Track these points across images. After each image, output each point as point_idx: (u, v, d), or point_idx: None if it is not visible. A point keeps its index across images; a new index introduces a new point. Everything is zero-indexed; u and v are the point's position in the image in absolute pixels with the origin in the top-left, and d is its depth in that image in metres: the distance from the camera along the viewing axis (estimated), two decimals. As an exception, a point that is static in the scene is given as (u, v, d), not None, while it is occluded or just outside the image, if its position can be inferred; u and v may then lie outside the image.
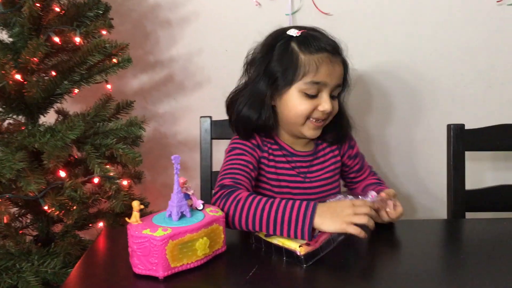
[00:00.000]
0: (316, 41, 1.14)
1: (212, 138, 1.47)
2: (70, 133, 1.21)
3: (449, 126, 1.33)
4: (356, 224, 0.94)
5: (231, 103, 1.26)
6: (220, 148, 1.59)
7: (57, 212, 1.14)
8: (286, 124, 1.22)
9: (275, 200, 1.01)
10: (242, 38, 1.68)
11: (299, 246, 0.93)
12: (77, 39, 1.28)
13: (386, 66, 1.72)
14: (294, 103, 1.17)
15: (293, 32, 1.16)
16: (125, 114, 1.53)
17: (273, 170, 1.23)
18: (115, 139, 1.32)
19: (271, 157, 1.24)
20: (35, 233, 1.42)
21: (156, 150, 1.82)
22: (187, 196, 0.96)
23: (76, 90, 1.40)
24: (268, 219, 0.99)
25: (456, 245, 1.05)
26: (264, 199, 1.02)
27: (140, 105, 1.78)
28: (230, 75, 1.72)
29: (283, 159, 1.25)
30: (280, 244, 0.97)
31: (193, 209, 0.98)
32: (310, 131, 1.21)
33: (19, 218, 1.43)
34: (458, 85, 1.72)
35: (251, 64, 1.23)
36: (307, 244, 0.94)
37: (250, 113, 1.19)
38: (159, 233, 0.86)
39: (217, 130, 1.47)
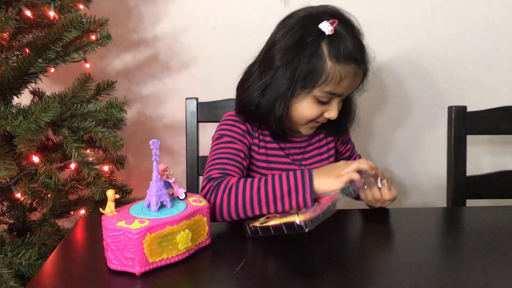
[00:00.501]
0: (346, 45, 1.01)
1: (198, 121, 1.39)
2: (44, 115, 1.12)
3: (450, 108, 1.26)
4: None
5: (245, 81, 1.14)
6: (208, 132, 1.51)
7: (30, 201, 1.05)
8: (288, 121, 1.11)
9: (267, 177, 0.97)
10: (231, 15, 1.60)
11: (297, 215, 0.87)
12: (51, 13, 1.19)
13: (382, 48, 1.63)
14: (305, 106, 1.07)
15: (325, 28, 1.01)
16: (106, 95, 1.44)
17: (263, 158, 1.16)
18: (94, 122, 1.23)
19: (261, 143, 1.16)
20: (11, 221, 1.34)
21: (141, 134, 1.74)
22: (167, 185, 0.89)
23: (52, 70, 1.30)
24: (267, 197, 0.94)
25: (457, 235, 0.98)
26: (256, 179, 0.97)
27: (123, 86, 1.69)
28: (218, 54, 1.66)
29: (276, 145, 1.17)
30: (278, 222, 0.90)
31: (174, 198, 0.90)
32: (307, 130, 1.15)
33: (-5, 205, 1.35)
34: (456, 66, 1.64)
35: (273, 59, 1.06)
36: (306, 211, 0.89)
37: (263, 105, 1.08)
38: (135, 225, 0.79)
39: (204, 112, 1.38)
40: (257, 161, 1.15)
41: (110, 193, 0.83)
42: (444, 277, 0.79)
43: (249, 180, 0.97)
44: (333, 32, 1.01)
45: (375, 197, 1.03)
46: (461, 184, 1.24)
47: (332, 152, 1.24)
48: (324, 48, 1.01)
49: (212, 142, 1.14)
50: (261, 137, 1.16)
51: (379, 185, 1.02)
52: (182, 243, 0.83)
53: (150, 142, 0.84)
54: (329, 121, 1.14)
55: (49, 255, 0.89)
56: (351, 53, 1.01)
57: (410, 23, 1.62)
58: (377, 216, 1.04)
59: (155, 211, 0.84)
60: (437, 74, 1.65)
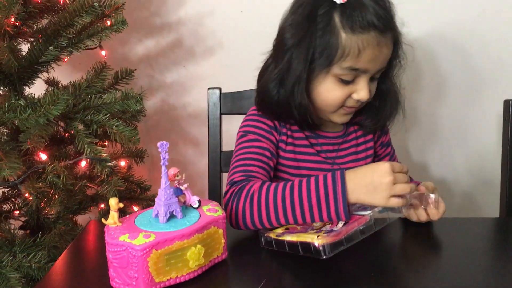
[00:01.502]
0: (363, 13, 0.87)
1: (221, 113, 1.28)
2: (53, 108, 1.03)
3: (507, 102, 1.10)
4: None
5: (262, 72, 1.04)
6: (232, 124, 1.41)
7: (35, 202, 0.98)
8: (313, 108, 0.99)
9: (293, 183, 0.84)
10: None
11: (317, 237, 0.77)
12: (62, -3, 1.09)
13: (431, 29, 1.48)
14: (326, 88, 0.94)
15: None
16: (125, 84, 1.35)
17: (291, 155, 1.03)
18: (108, 115, 1.14)
19: (289, 139, 1.03)
20: (25, 218, 1.28)
21: (164, 123, 1.65)
22: (179, 192, 0.78)
23: (67, 58, 1.22)
24: (293, 208, 0.83)
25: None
26: (281, 184, 0.85)
27: (146, 73, 1.60)
28: (246, 39, 1.54)
29: (306, 142, 1.04)
30: (295, 239, 0.80)
31: (187, 206, 0.80)
32: (340, 117, 1.00)
33: (9, 200, 1.28)
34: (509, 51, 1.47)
35: (286, 38, 0.95)
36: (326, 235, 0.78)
37: (282, 94, 0.96)
38: (140, 240, 0.69)
39: (228, 103, 1.27)
40: (284, 159, 1.03)
41: (113, 202, 0.73)
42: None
43: (272, 186, 0.86)
44: (345, 0, 0.88)
45: (420, 219, 0.91)
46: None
47: (371, 152, 1.10)
48: (337, 19, 0.89)
49: (236, 141, 1.04)
50: (289, 132, 1.03)
51: (428, 206, 0.89)
52: (193, 260, 0.73)
53: (158, 144, 0.74)
54: (367, 112, 1.03)
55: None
56: (369, 20, 0.87)
57: (459, 3, 1.45)
58: (419, 227, 0.91)
59: (164, 223, 0.74)
60: (488, 59, 1.48)
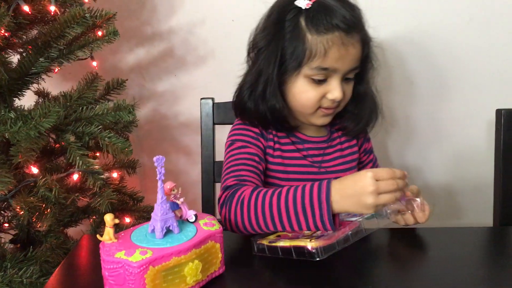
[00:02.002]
0: (327, 15, 0.93)
1: (214, 123, 1.27)
2: (45, 121, 1.02)
3: (499, 111, 1.11)
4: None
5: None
6: (225, 134, 1.39)
7: (27, 217, 0.96)
8: (293, 111, 1.04)
9: (281, 190, 0.86)
10: (251, 5, 1.47)
11: (310, 241, 0.78)
12: (52, 8, 1.08)
13: (411, 36, 1.48)
14: (299, 89, 0.99)
15: (302, 3, 0.95)
16: (116, 94, 1.33)
17: (279, 160, 1.05)
18: (100, 127, 1.12)
19: (276, 145, 1.06)
20: (14, 232, 1.25)
21: (156, 133, 1.64)
22: (175, 206, 0.77)
23: (57, 69, 1.20)
24: (280, 215, 0.84)
25: (509, 261, 0.84)
26: (270, 191, 0.87)
27: (137, 82, 1.59)
28: (237, 48, 1.51)
29: (292, 147, 1.06)
30: (288, 244, 0.81)
31: (183, 221, 0.79)
32: (319, 119, 1.03)
33: (-1, 213, 1.26)
34: (499, 58, 1.48)
35: (257, 45, 1.03)
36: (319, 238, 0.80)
37: (252, 99, 1.01)
38: (136, 257, 0.68)
39: (220, 113, 1.27)
40: (272, 165, 1.05)
41: (109, 218, 0.72)
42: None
43: (262, 192, 0.87)
44: (310, 5, 0.95)
45: (407, 223, 0.94)
46: (511, 198, 1.09)
47: (356, 156, 1.13)
48: (303, 22, 0.96)
49: (225, 150, 1.06)
50: (275, 138, 1.06)
51: (414, 210, 0.92)
52: (190, 276, 0.72)
53: (154, 159, 0.73)
54: (347, 116, 1.07)
55: (53, 271, 0.81)
56: (332, 21, 0.93)
57: (448, 10, 1.46)
58: (410, 238, 0.91)
59: (160, 238, 0.73)
60: (477, 67, 1.49)
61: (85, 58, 1.24)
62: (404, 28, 1.48)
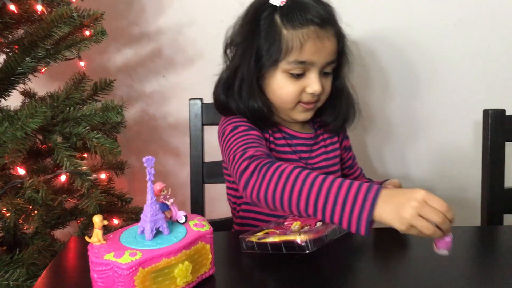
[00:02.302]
0: (302, 12, 0.97)
1: (203, 124, 1.27)
2: (31, 122, 1.00)
3: (486, 111, 1.12)
4: None
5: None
6: (214, 135, 1.39)
7: (13, 219, 0.94)
8: (274, 108, 1.05)
9: (328, 175, 0.78)
10: (240, 6, 1.46)
11: (299, 235, 0.79)
12: (39, 8, 1.07)
13: (391, 35, 1.50)
14: (278, 84, 1.01)
15: (276, 1, 0.99)
16: (104, 95, 1.32)
17: (274, 154, 1.05)
18: (88, 127, 1.11)
19: (271, 138, 1.06)
20: (0, 234, 1.23)
21: (144, 134, 1.63)
22: (165, 207, 0.77)
23: (43, 69, 1.19)
24: (317, 196, 0.75)
25: (495, 262, 0.84)
26: (315, 172, 0.79)
27: (125, 83, 1.58)
28: (226, 49, 1.53)
29: (283, 142, 1.07)
30: (277, 240, 0.81)
31: (173, 222, 0.78)
32: (300, 114, 1.05)
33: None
34: (485, 60, 1.49)
35: (233, 43, 1.06)
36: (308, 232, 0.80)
37: (241, 102, 1.01)
38: (126, 258, 0.67)
39: (209, 114, 1.26)
40: None
41: (97, 219, 0.71)
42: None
43: (306, 170, 0.80)
44: (284, 3, 0.98)
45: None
46: (498, 198, 1.10)
47: (338, 153, 1.15)
48: (278, 19, 0.99)
49: (225, 136, 1.00)
50: (270, 131, 1.07)
51: None
52: (180, 277, 0.72)
53: (144, 159, 0.73)
54: (329, 115, 1.09)
55: (40, 274, 0.80)
56: (307, 17, 0.96)
57: (436, 13, 1.47)
58: (398, 235, 0.91)
59: (150, 239, 0.73)
60: (465, 69, 1.51)
61: (73, 58, 1.23)
62: (383, 27, 1.49)
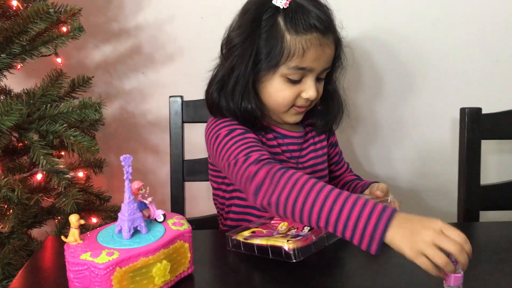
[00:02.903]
0: (305, 16, 0.94)
1: (183, 122, 1.26)
2: (6, 119, 0.98)
3: (463, 110, 1.13)
4: None
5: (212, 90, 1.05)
6: (194, 133, 1.39)
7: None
8: (266, 109, 1.04)
9: (343, 191, 0.77)
10: (220, 3, 1.46)
11: (287, 241, 0.78)
12: (14, 3, 1.05)
13: (380, 39, 1.51)
14: (275, 88, 0.99)
15: (279, 3, 0.95)
16: (82, 92, 1.30)
17: None
18: (65, 125, 1.09)
19: (263, 139, 1.06)
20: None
21: (123, 131, 1.61)
22: (143, 206, 0.76)
23: (19, 66, 1.16)
24: (331, 210, 0.74)
25: (472, 256, 0.86)
26: (330, 185, 0.79)
27: (104, 80, 1.56)
28: (206, 46, 1.51)
29: (275, 142, 1.07)
30: (264, 243, 0.81)
31: (151, 220, 0.78)
32: (292, 117, 1.05)
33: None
34: (464, 60, 1.51)
35: (231, 42, 1.01)
36: (296, 239, 0.79)
37: (233, 103, 0.99)
38: (103, 258, 0.67)
39: (190, 112, 1.25)
40: None
41: (74, 219, 0.70)
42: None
43: (321, 182, 0.80)
44: (287, 5, 0.95)
45: None
46: (474, 195, 1.12)
47: (326, 151, 1.16)
48: (281, 22, 0.96)
49: (220, 140, 0.97)
50: (263, 132, 1.06)
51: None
52: (159, 276, 0.71)
53: (121, 158, 0.72)
54: (318, 115, 1.08)
55: (16, 274, 0.78)
56: (311, 23, 0.94)
57: (414, 12, 1.48)
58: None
59: (128, 239, 0.72)
60: (443, 67, 1.52)
61: (49, 55, 1.21)
62: (372, 28, 1.50)
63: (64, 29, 1.14)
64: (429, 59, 1.52)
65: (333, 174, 1.22)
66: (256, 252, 0.82)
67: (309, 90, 0.99)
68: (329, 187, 0.78)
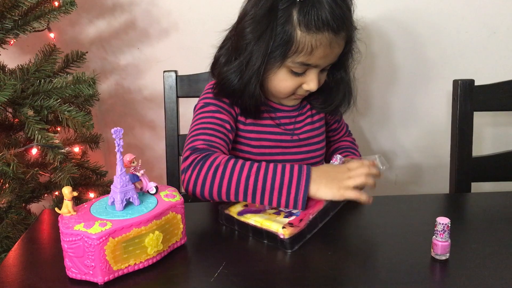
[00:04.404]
0: (320, 12, 0.90)
1: (178, 97, 1.26)
2: (0, 94, 0.99)
3: (456, 82, 1.13)
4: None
5: (218, 61, 1.05)
6: (189, 107, 1.39)
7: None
8: (266, 92, 1.04)
9: (261, 164, 0.87)
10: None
11: (282, 228, 0.78)
12: (4, -23, 1.04)
13: (384, 12, 1.49)
14: (278, 78, 0.99)
15: None
16: (76, 67, 1.30)
17: (252, 128, 1.06)
18: (59, 100, 1.10)
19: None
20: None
21: (119, 107, 1.61)
22: (135, 178, 0.77)
23: (12, 41, 1.16)
24: (255, 187, 0.85)
25: (461, 225, 0.87)
26: (248, 163, 0.88)
27: (99, 55, 1.55)
28: (201, 21, 1.51)
29: (266, 115, 1.07)
30: (259, 225, 0.82)
31: (144, 193, 0.79)
32: (290, 101, 1.08)
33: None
34: (459, 31, 1.50)
35: (247, 24, 0.96)
36: (290, 225, 0.80)
37: (240, 84, 0.98)
38: (96, 229, 0.68)
39: (184, 86, 1.25)
40: (245, 132, 1.06)
41: (67, 191, 0.71)
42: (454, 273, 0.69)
43: (239, 162, 0.88)
44: None
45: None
46: (466, 166, 1.13)
47: (323, 123, 1.16)
48: (295, 16, 0.92)
49: (195, 111, 1.04)
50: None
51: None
52: (151, 246, 0.73)
53: (112, 131, 0.72)
54: (318, 94, 1.07)
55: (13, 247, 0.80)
56: (324, 21, 0.90)
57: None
58: (374, 206, 0.94)
59: (120, 210, 0.73)
60: (438, 40, 1.52)
61: (42, 30, 1.20)
62: (389, 9, 1.48)
63: (56, 3, 1.13)
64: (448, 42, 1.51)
65: (331, 139, 1.24)
66: (250, 233, 0.83)
67: (311, 83, 0.99)
68: (246, 165, 0.87)
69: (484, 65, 1.53)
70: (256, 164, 0.87)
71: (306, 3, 0.90)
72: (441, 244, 0.74)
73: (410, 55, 1.54)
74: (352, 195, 0.84)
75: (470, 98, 1.12)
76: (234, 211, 0.86)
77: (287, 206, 0.84)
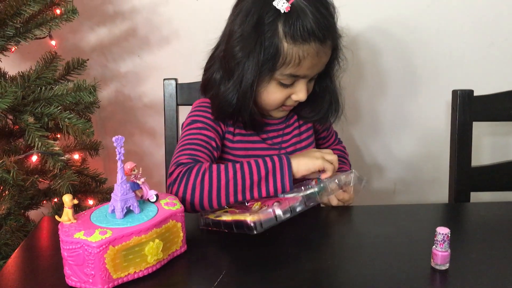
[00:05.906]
0: (305, 23, 0.90)
1: (178, 104, 1.26)
2: (1, 102, 0.99)
3: (455, 92, 1.14)
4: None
5: (210, 83, 1.05)
6: (188, 115, 1.40)
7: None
8: (256, 106, 1.03)
9: (243, 161, 0.91)
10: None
11: (249, 215, 0.80)
12: (7, -16, 1.04)
13: (374, 21, 1.50)
14: (268, 91, 1.00)
15: (281, 6, 0.91)
16: (77, 75, 1.30)
17: (240, 145, 1.07)
18: (60, 107, 1.10)
19: (237, 130, 1.07)
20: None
21: (119, 114, 1.61)
22: (136, 186, 0.77)
23: (13, 48, 1.17)
24: (243, 182, 0.89)
25: (461, 235, 0.87)
26: (231, 164, 0.91)
27: (99, 63, 1.56)
28: (202, 28, 1.52)
29: (252, 131, 1.07)
30: (229, 219, 0.83)
31: (144, 201, 0.79)
32: (279, 113, 1.08)
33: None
34: (458, 41, 1.51)
35: (236, 43, 0.96)
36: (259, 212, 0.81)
37: (237, 103, 0.99)
38: (96, 237, 0.68)
39: (184, 94, 1.26)
40: (233, 150, 1.07)
41: (67, 199, 0.71)
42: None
43: (222, 165, 0.91)
44: (289, 9, 0.91)
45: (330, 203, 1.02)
46: (466, 176, 1.13)
47: (311, 132, 1.16)
48: (280, 28, 0.92)
49: (183, 128, 1.05)
50: (236, 123, 1.06)
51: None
52: (151, 255, 0.73)
53: (113, 139, 0.73)
54: (307, 106, 1.08)
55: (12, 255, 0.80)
56: (310, 31, 0.91)
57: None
58: (373, 215, 0.94)
59: (121, 218, 0.73)
60: (437, 50, 1.53)
61: (44, 37, 1.21)
62: (377, 19, 1.49)
63: (58, 11, 1.14)
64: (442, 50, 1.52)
65: (321, 147, 1.24)
66: (222, 227, 0.84)
67: (300, 93, 0.99)
68: (230, 165, 0.90)
69: (481, 75, 1.53)
70: (237, 163, 0.90)
71: (290, 15, 0.91)
72: (441, 254, 0.74)
73: (403, 67, 1.55)
74: (325, 164, 0.92)
75: (469, 108, 1.12)
76: (212, 216, 0.88)
77: (276, 190, 0.89)
